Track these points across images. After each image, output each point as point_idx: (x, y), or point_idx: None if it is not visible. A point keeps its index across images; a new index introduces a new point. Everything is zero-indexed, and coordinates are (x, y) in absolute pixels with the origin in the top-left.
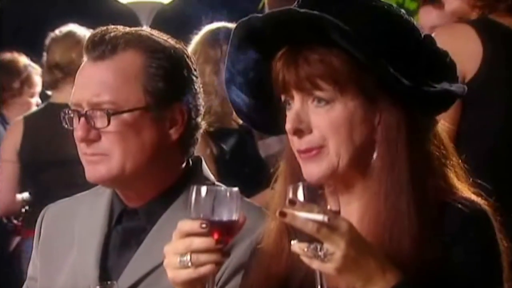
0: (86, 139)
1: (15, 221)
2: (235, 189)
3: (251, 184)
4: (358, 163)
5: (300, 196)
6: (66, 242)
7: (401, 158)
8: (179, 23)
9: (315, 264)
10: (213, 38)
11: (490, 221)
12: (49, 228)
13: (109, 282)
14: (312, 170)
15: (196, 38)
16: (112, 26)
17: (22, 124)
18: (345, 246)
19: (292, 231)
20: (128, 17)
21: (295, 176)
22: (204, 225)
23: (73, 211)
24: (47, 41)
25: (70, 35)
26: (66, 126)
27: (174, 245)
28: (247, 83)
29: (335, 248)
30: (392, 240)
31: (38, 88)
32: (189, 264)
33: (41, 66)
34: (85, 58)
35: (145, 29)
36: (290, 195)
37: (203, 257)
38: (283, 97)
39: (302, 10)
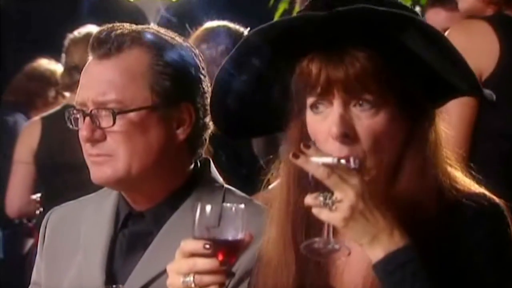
0: (91, 139)
1: (28, 223)
2: (241, 206)
3: (248, 186)
4: (387, 170)
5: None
6: (72, 245)
7: (430, 164)
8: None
9: (324, 214)
10: (211, 36)
11: (505, 215)
12: (54, 231)
13: (114, 286)
14: None
15: (194, 33)
16: (118, 24)
17: (40, 124)
18: (354, 197)
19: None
20: (136, 15)
21: (303, 180)
22: (207, 246)
23: (79, 213)
24: (66, 43)
25: (88, 36)
26: (71, 126)
27: (177, 265)
28: (251, 82)
29: (343, 196)
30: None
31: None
32: (192, 285)
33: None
34: (90, 57)
35: (152, 27)
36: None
37: (207, 278)
38: (311, 101)
39: (381, 9)
